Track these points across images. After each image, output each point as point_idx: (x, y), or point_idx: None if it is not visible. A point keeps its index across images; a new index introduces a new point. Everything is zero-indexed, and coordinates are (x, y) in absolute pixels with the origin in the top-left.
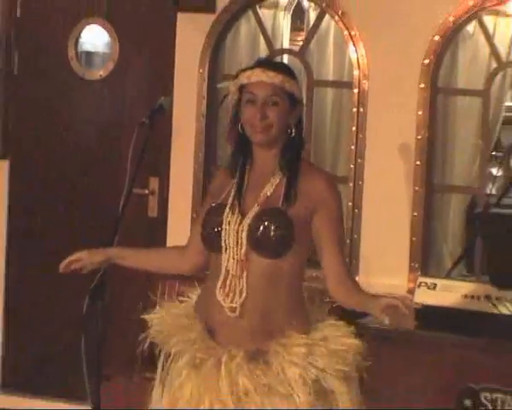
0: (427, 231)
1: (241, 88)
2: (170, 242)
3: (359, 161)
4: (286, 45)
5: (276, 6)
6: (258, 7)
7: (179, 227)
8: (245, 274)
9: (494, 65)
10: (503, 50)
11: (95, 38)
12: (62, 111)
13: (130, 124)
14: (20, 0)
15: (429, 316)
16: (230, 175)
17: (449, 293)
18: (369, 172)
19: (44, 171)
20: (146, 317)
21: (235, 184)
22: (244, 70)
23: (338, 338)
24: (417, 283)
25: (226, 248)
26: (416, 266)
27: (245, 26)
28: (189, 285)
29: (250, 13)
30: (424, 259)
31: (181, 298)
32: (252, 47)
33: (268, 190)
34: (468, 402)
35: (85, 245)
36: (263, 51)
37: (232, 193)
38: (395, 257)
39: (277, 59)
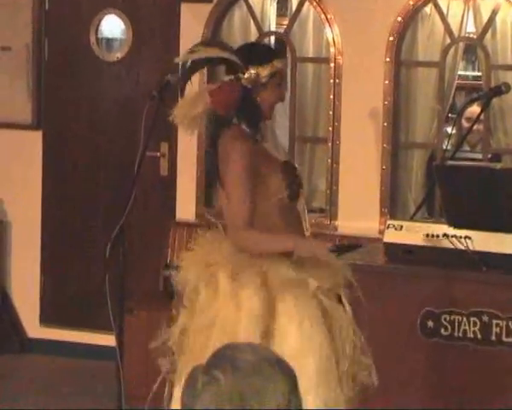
0: (394, 181)
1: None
2: (178, 196)
3: (336, 124)
4: (273, 28)
5: None
6: None
7: (186, 184)
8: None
9: (448, 40)
10: (455, 28)
11: (112, 26)
12: (86, 87)
13: (142, 97)
14: None
15: (397, 252)
16: (252, 142)
17: (413, 233)
18: (345, 133)
19: (72, 138)
20: (181, 264)
21: (266, 146)
22: (277, 57)
23: None
24: (386, 225)
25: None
26: (386, 210)
27: (238, 13)
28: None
29: (242, 2)
30: (392, 205)
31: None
32: (244, 30)
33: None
34: (430, 323)
35: (109, 198)
36: (253, 34)
37: (275, 153)
38: (368, 204)
39: (266, 40)
